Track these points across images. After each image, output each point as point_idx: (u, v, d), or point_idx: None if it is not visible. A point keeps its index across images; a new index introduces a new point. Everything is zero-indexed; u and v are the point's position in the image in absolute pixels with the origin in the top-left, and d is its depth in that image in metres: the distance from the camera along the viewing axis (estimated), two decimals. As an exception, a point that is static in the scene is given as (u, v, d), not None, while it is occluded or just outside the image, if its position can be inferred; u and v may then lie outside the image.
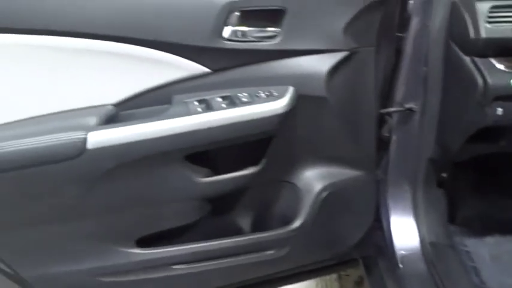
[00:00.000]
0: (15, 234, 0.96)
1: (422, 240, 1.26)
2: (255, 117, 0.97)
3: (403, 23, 1.18)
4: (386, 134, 1.32)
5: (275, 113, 0.98)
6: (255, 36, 1.00)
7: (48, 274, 1.01)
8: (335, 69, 1.05)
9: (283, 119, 1.01)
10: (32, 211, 0.93)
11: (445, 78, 1.19)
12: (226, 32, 0.97)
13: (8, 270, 1.00)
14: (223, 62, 1.00)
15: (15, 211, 0.93)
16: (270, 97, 0.99)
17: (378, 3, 1.06)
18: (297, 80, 1.03)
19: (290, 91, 1.01)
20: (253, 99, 0.98)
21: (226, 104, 0.98)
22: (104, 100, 0.95)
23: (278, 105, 0.98)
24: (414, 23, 1.18)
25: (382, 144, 1.29)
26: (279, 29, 1.01)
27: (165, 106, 0.98)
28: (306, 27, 1.02)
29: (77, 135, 0.87)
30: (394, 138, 1.30)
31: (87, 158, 0.88)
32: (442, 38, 1.15)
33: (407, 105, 1.25)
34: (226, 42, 0.97)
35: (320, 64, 1.04)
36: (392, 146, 1.31)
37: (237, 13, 0.97)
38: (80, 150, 0.87)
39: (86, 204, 0.94)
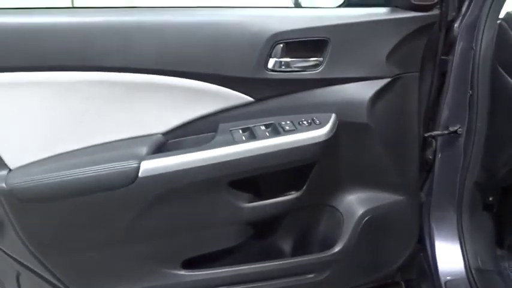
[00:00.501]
0: (72, 256, 1.02)
1: (467, 266, 1.24)
2: (297, 145, 0.99)
3: (448, 46, 1.17)
4: (430, 157, 1.30)
5: (317, 141, 1.00)
6: (298, 66, 1.02)
7: None
8: (377, 95, 1.06)
9: (326, 146, 1.02)
10: (88, 235, 1.00)
11: (492, 101, 1.17)
12: (271, 63, 1.00)
13: (63, 288, 1.07)
14: (267, 92, 1.03)
15: (74, 235, 1.00)
16: (313, 125, 1.01)
17: (422, 30, 1.06)
18: (339, 107, 1.05)
19: (332, 118, 1.03)
20: (296, 127, 1.01)
21: (270, 132, 1.01)
22: (154, 129, 1.01)
23: (320, 132, 1.00)
24: (459, 46, 1.16)
25: (426, 167, 1.28)
26: (321, 59, 1.03)
27: (211, 134, 1.02)
28: (349, 56, 1.03)
29: (130, 164, 0.93)
30: (438, 161, 1.29)
31: (139, 185, 0.94)
32: (488, 61, 1.13)
33: (452, 128, 1.23)
34: (270, 72, 1.00)
35: (362, 91, 1.05)
36: (437, 169, 1.30)
37: (281, 45, 1.00)
38: (133, 178, 0.93)
39: (138, 228, 0.99)
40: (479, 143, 1.21)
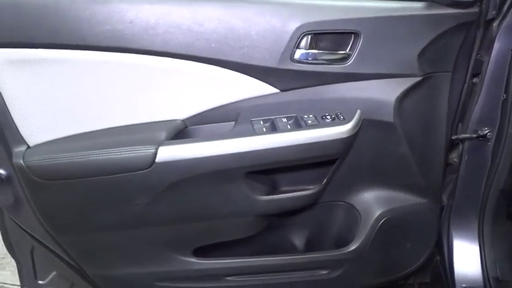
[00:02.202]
0: (86, 236, 1.03)
1: (485, 274, 1.20)
2: (319, 140, 0.96)
3: (485, 47, 1.12)
4: (456, 160, 1.26)
5: (340, 137, 0.97)
6: (325, 59, 0.99)
7: (111, 275, 1.08)
8: (406, 94, 1.02)
9: (348, 142, 0.99)
10: (102, 216, 1.00)
11: None
12: (297, 54, 0.97)
13: (76, 267, 1.07)
14: (291, 83, 1.00)
15: (88, 215, 1.00)
16: (336, 120, 0.98)
17: (459, 28, 1.01)
18: (365, 103, 1.01)
19: (357, 115, 1.00)
20: (319, 122, 0.97)
21: (291, 125, 0.98)
22: (174, 115, 0.99)
23: (344, 129, 0.97)
24: (497, 47, 1.11)
25: (451, 170, 1.24)
26: (350, 52, 0.99)
27: (231, 123, 1.00)
28: (379, 51, 0.99)
29: (148, 149, 0.91)
30: (464, 164, 1.24)
31: (155, 170, 0.92)
32: None
33: (482, 132, 1.18)
34: (296, 64, 0.97)
35: (390, 89, 1.01)
36: (462, 173, 1.25)
37: (309, 36, 0.96)
38: (150, 163, 0.92)
39: (152, 213, 0.99)
40: (509, 149, 1.16)
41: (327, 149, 0.98)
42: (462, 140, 1.21)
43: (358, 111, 1.00)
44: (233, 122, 0.99)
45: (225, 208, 1.02)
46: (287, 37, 0.94)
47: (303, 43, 0.96)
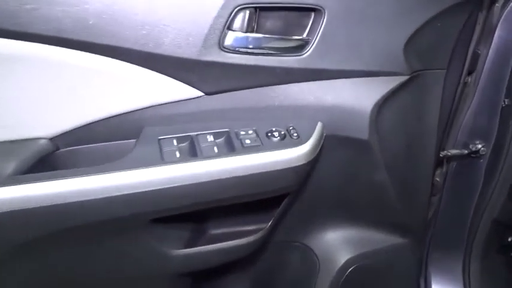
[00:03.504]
0: None
1: None
2: (261, 169, 0.64)
3: (484, 35, 0.84)
4: (438, 179, 0.99)
5: (293, 164, 0.65)
6: (271, 47, 0.66)
7: None
8: (386, 101, 0.72)
9: (304, 172, 0.68)
10: None
11: None
12: (229, 39, 0.63)
13: None
14: (221, 83, 0.67)
15: None
16: (287, 139, 0.66)
17: (458, 11, 0.71)
18: (328, 113, 0.70)
19: (317, 130, 0.68)
20: (262, 142, 0.65)
21: (221, 147, 0.65)
22: (36, 131, 0.63)
23: (298, 152, 0.65)
24: (497, 37, 0.83)
25: (432, 191, 0.96)
26: (308, 38, 0.67)
27: (129, 142, 0.65)
28: (351, 38, 0.68)
29: None
30: (448, 186, 0.98)
31: None
32: None
33: (473, 146, 0.92)
34: (227, 54, 0.64)
35: (365, 93, 0.71)
36: (445, 197, 0.99)
37: (246, 11, 0.63)
38: None
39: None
40: (508, 170, 0.90)
41: (273, 183, 0.67)
42: (449, 158, 0.93)
43: (319, 125, 0.69)
44: (132, 141, 0.65)
45: (126, 269, 0.68)
46: (213, 12, 0.61)
47: (237, 22, 0.63)
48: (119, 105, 0.64)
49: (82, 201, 0.57)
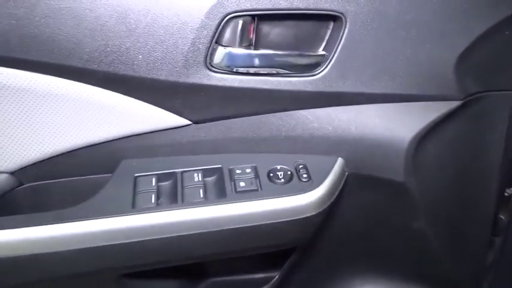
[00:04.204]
0: None
1: None
2: (258, 221, 0.51)
3: None
4: (502, 217, 0.80)
5: (300, 216, 0.51)
6: (276, 66, 0.52)
7: None
8: (429, 133, 0.55)
9: (316, 223, 0.54)
10: None
11: None
12: (219, 55, 0.50)
13: None
14: (212, 109, 0.54)
15: None
16: (295, 181, 0.52)
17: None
18: (351, 147, 0.55)
19: (336, 169, 0.54)
20: (260, 185, 0.52)
21: (210, 191, 0.52)
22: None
23: (307, 199, 0.51)
24: None
25: (494, 232, 0.77)
26: (324, 54, 0.52)
27: (102, 178, 0.55)
28: (379, 53, 0.52)
29: None
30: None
31: None
32: None
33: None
34: (217, 74, 0.51)
35: (400, 123, 0.55)
36: (508, 238, 0.79)
37: (242, 21, 0.49)
38: None
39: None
40: None
41: (273, 237, 0.53)
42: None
43: (339, 162, 0.55)
44: (106, 176, 0.54)
45: None
46: (195, 22, 0.48)
47: (228, 35, 0.50)
48: (90, 135, 0.53)
49: (35, 254, 0.47)
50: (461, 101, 0.55)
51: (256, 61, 0.51)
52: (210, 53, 0.49)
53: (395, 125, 0.54)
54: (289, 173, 0.53)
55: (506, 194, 0.71)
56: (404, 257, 0.65)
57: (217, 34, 0.48)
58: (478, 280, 0.72)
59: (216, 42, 0.49)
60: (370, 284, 0.67)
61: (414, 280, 0.67)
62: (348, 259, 0.66)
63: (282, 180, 0.53)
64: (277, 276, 0.61)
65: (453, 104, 0.55)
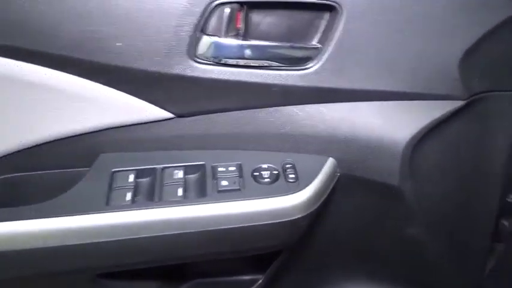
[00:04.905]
0: None
1: None
2: (240, 223, 0.48)
3: None
4: (505, 223, 0.77)
5: (285, 219, 0.48)
6: (266, 58, 0.48)
7: None
8: (428, 134, 0.51)
9: (303, 226, 0.51)
10: None
11: None
12: (204, 45, 0.46)
13: None
14: (197, 102, 0.50)
15: None
16: (281, 182, 0.49)
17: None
18: (343, 146, 0.52)
19: (325, 170, 0.51)
20: (243, 185, 0.49)
21: (191, 189, 0.50)
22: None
23: (293, 201, 0.48)
24: None
25: (496, 238, 0.74)
26: (318, 46, 0.48)
27: (80, 172, 0.52)
28: (378, 48, 0.48)
29: None
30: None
31: None
32: None
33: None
34: (202, 66, 0.47)
35: (397, 122, 0.51)
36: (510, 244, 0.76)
37: (230, 8, 0.45)
38: None
39: None
40: None
41: (256, 240, 0.50)
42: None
43: (329, 162, 0.51)
44: (83, 170, 0.51)
45: None
46: (178, 9, 0.44)
47: (215, 23, 0.46)
48: (68, 126, 0.50)
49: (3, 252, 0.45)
50: (465, 101, 0.51)
51: (245, 52, 0.48)
52: (194, 43, 0.46)
53: (392, 124, 0.51)
54: (275, 172, 0.50)
55: (509, 200, 0.68)
56: (399, 263, 0.62)
57: (202, 22, 0.45)
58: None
59: (201, 31, 0.46)
60: (361, 288, 0.65)
61: (408, 287, 0.64)
62: (338, 262, 0.63)
63: (267, 180, 0.49)
64: (262, 279, 0.59)
65: (456, 104, 0.51)
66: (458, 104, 0.51)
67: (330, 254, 0.61)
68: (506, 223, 0.77)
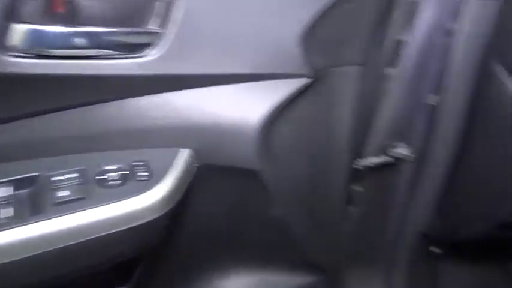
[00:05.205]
0: None
1: None
2: (91, 234, 0.42)
3: (406, 20, 0.65)
4: (357, 189, 0.83)
5: (138, 222, 0.44)
6: (96, 46, 0.42)
7: None
8: (280, 113, 0.51)
9: (162, 227, 0.47)
10: None
11: (472, 115, 0.69)
12: (15, 35, 0.39)
13: None
14: (15, 104, 0.42)
15: None
16: (131, 183, 0.45)
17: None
18: (199, 135, 0.49)
19: (178, 163, 0.47)
20: (87, 192, 0.43)
21: (20, 205, 0.42)
22: None
23: (144, 202, 0.44)
24: (424, 21, 0.65)
25: (349, 201, 0.80)
26: (159, 31, 0.44)
27: None
28: (221, 30, 0.46)
29: None
30: (367, 195, 0.82)
31: None
32: (475, 52, 0.63)
33: (397, 152, 0.75)
34: (14, 59, 0.39)
35: (248, 105, 0.50)
36: (365, 208, 0.83)
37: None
38: None
39: None
40: (438, 178, 0.75)
41: (114, 249, 0.45)
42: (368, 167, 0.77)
43: (183, 154, 0.48)
44: None
45: None
46: None
47: (27, 8, 0.38)
48: None
49: None
50: (311, 79, 0.52)
51: (72, 41, 0.41)
52: (1, 32, 0.38)
53: (244, 108, 0.50)
54: (124, 173, 0.45)
55: (355, 167, 0.73)
56: (268, 246, 0.63)
57: (9, 7, 0.37)
58: (339, 258, 0.74)
59: (8, 18, 0.38)
60: (241, 276, 0.64)
61: (280, 268, 0.66)
62: (208, 257, 0.61)
63: (115, 182, 0.44)
64: None
65: (303, 82, 0.52)
66: (305, 81, 0.52)
67: (199, 250, 0.59)
68: (356, 188, 0.84)
